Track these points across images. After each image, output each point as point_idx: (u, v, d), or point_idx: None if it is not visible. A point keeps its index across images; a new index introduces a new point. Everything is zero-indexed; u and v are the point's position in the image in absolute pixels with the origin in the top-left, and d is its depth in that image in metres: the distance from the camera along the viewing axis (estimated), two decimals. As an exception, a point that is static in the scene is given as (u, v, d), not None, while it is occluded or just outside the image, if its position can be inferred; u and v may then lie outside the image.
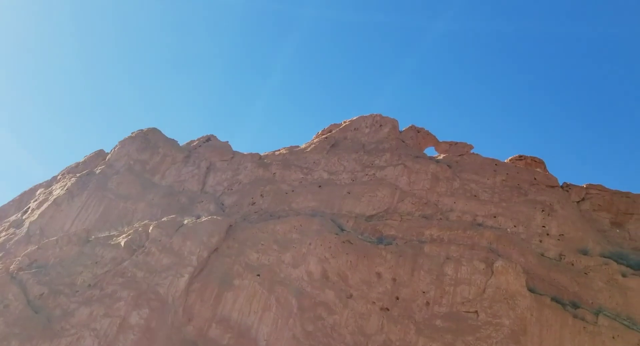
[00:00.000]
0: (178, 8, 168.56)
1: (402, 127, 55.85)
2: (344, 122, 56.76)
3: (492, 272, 37.47)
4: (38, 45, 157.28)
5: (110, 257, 38.50)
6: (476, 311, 36.14)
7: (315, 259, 39.29)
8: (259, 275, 38.20)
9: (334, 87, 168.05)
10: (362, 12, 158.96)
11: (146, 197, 49.45)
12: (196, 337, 35.46)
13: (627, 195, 47.36)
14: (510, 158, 53.33)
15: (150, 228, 40.36)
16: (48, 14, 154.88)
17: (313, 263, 39.16)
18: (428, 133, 55.90)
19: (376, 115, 55.73)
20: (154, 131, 57.84)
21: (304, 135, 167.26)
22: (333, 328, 36.23)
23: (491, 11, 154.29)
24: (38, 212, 48.41)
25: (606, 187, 48.22)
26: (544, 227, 43.19)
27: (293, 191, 48.33)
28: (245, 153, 55.52)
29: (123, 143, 55.39)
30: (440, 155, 52.89)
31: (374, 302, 37.59)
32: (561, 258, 41.21)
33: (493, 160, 50.04)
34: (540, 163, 52.16)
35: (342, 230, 42.24)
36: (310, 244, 40.07)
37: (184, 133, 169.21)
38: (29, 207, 51.96)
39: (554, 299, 37.26)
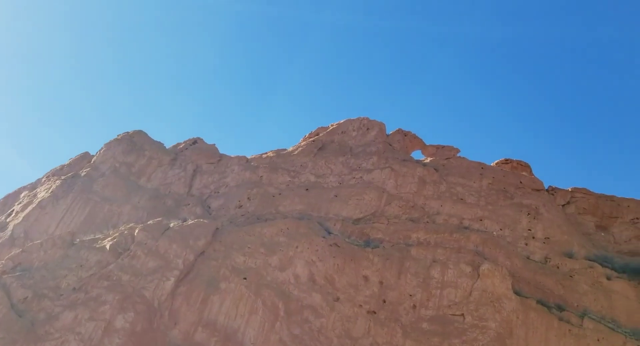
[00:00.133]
0: (166, 10, 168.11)
1: (389, 130, 56.05)
2: (331, 125, 56.81)
3: (478, 275, 37.64)
4: (25, 47, 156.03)
5: (95, 260, 38.17)
6: (462, 314, 36.27)
7: (302, 262, 39.24)
8: (245, 278, 38.07)
9: (322, 90, 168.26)
10: (348, 15, 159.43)
11: (132, 199, 49.16)
12: (182, 341, 35.23)
13: (611, 198, 47.79)
14: (496, 161, 53.67)
15: (136, 231, 40.10)
16: (36, 16, 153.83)
17: (300, 266, 39.10)
18: (415, 137, 56.08)
19: (363, 118, 55.85)
20: (140, 133, 57.53)
21: (292, 138, 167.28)
22: (320, 332, 36.18)
23: (480, 15, 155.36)
24: (22, 214, 47.96)
25: (591, 190, 48.64)
26: (529, 230, 43.47)
27: (280, 194, 48.26)
28: (232, 156, 55.38)
29: (109, 145, 55.03)
30: (427, 159, 53.08)
31: (361, 305, 37.59)
32: (547, 261, 41.47)
33: (479, 163, 50.32)
34: (526, 166, 52.54)
35: (329, 233, 42.23)
36: (297, 247, 40.02)
37: (170, 136, 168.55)
38: (13, 210, 51.46)
39: (539, 302, 37.50)
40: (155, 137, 58.70)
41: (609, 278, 39.47)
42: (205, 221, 42.47)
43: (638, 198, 47.39)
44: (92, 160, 54.36)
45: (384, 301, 37.83)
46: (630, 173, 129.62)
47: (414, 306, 37.29)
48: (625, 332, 35.92)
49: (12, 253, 39.87)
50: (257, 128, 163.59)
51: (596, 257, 41.71)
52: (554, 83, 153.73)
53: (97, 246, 39.62)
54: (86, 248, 39.39)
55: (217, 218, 46.04)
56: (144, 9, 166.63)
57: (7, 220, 49.41)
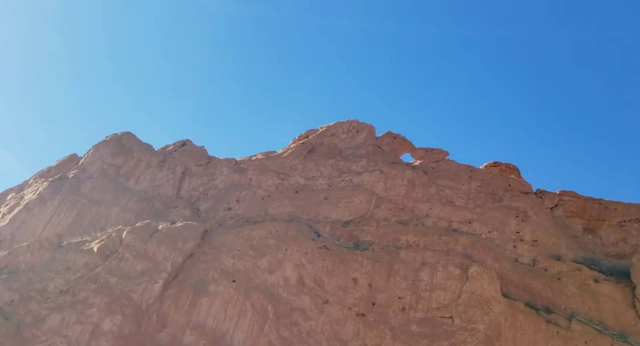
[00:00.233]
0: (156, 11, 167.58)
1: (379, 133, 56.13)
2: (321, 128, 56.85)
3: (467, 278, 37.75)
4: (14, 47, 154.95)
5: (82, 263, 37.92)
6: (451, 317, 36.35)
7: (291, 265, 39.18)
8: (234, 281, 37.95)
9: (312, 92, 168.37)
10: (339, 17, 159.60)
11: (120, 201, 48.92)
12: (170, 344, 35.06)
13: (599, 201, 48.12)
14: (485, 164, 53.91)
15: (124, 233, 39.88)
16: (27, 16, 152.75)
17: (289, 268, 39.03)
18: (404, 140, 56.24)
19: (353, 120, 55.94)
20: (129, 135, 57.27)
21: (281, 140, 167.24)
22: (309, 334, 36.12)
23: (467, 17, 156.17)
24: (9, 216, 47.55)
25: (579, 193, 48.96)
26: (518, 232, 43.68)
27: (269, 196, 48.19)
28: (221, 158, 55.25)
29: (97, 147, 54.73)
30: (416, 161, 53.24)
31: (350, 308, 37.57)
32: (535, 264, 41.68)
33: (468, 166, 50.53)
34: (514, 169, 52.81)
35: (319, 235, 42.22)
36: (286, 250, 39.95)
37: (159, 137, 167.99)
38: (-1, 212, 50.99)
39: (527, 304, 37.67)
40: (144, 138, 58.57)
41: (596, 281, 39.72)
42: (194, 223, 42.33)
43: (625, 201, 47.78)
44: (80, 161, 54.03)
45: (373, 304, 37.85)
46: (618, 177, 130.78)
47: (403, 309, 37.33)
48: (612, 334, 36.16)
49: (-1, 255, 39.50)
50: (247, 130, 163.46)
51: (584, 260, 41.98)
52: (543, 86, 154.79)
53: (85, 248, 39.36)
54: (73, 250, 39.12)
55: (206, 221, 45.90)
56: (134, 10, 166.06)
57: (-6, 222, 48.95)
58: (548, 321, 36.68)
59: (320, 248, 40.24)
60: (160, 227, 41.25)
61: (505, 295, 37.52)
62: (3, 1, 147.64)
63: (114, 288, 35.83)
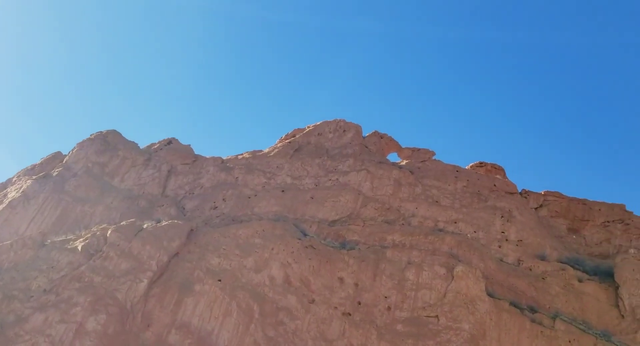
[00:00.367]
0: (144, 9, 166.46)
1: (366, 133, 56.23)
2: (308, 127, 56.82)
3: (453, 277, 37.91)
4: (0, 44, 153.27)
5: (66, 262, 37.57)
6: (437, 316, 36.49)
7: (277, 264, 39.11)
8: (220, 280, 37.80)
9: (299, 91, 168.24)
10: (326, 16, 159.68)
11: (105, 200, 48.52)
12: (155, 343, 34.85)
13: (583, 202, 48.58)
14: (471, 164, 54.21)
15: (109, 232, 39.59)
16: (11, 12, 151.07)
17: (275, 268, 38.96)
18: (391, 139, 56.37)
19: (340, 120, 55.97)
20: (114, 133, 56.84)
21: (268, 139, 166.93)
22: (295, 334, 36.07)
23: (454, 18, 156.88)
24: (-9, 214, 46.96)
25: (563, 194, 49.41)
26: (503, 232, 43.96)
27: (256, 195, 48.08)
28: (207, 157, 55.01)
29: (81, 145, 54.25)
30: (402, 161, 53.40)
31: (336, 307, 37.58)
32: (519, 264, 41.97)
33: (454, 166, 50.78)
34: (500, 170, 53.16)
35: (305, 235, 42.18)
36: (272, 249, 39.87)
37: (144, 135, 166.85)
38: (-19, 210, 50.35)
39: (512, 303, 37.93)
40: (129, 137, 58.12)
41: (580, 281, 40.09)
42: (180, 222, 42.11)
43: (609, 202, 48.33)
44: (65, 159, 53.53)
45: (359, 303, 37.88)
46: (602, 177, 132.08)
47: (389, 308, 37.41)
48: (596, 333, 36.50)
49: (-19, 254, 39.03)
50: (233, 129, 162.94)
51: (568, 260, 42.36)
52: (529, 87, 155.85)
53: (69, 247, 39.01)
54: (57, 249, 38.75)
55: (192, 220, 45.70)
56: (122, 8, 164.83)
57: (-24, 220, 48.34)
58: (532, 321, 36.96)
59: (306, 247, 40.21)
60: (145, 225, 40.98)
61: (490, 295, 37.74)
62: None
63: (98, 287, 35.53)
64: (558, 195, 49.31)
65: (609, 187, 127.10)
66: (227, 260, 39.32)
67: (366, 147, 53.59)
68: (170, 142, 57.97)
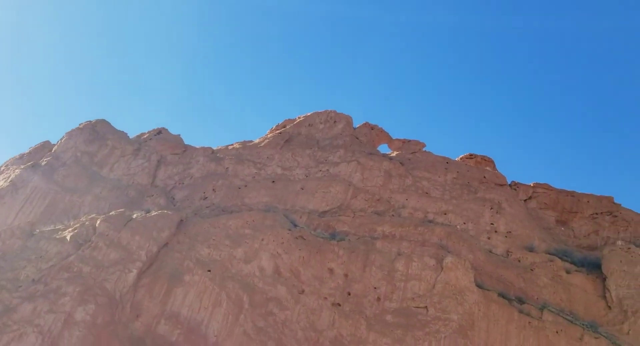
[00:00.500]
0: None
1: (356, 124, 56.24)
2: (299, 118, 56.71)
3: (442, 268, 38.06)
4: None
5: (55, 251, 37.39)
6: (426, 307, 36.67)
7: (267, 255, 39.11)
8: (209, 271, 37.78)
9: (289, 81, 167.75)
10: (315, 5, 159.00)
11: (94, 190, 48.27)
12: (144, 333, 34.81)
13: (572, 194, 48.89)
14: (461, 156, 54.35)
15: (98, 222, 39.41)
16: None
17: (265, 258, 38.97)
18: (382, 131, 56.39)
19: (331, 111, 55.89)
20: (103, 123, 56.47)
21: (258, 129, 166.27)
22: (284, 324, 36.15)
23: (445, 6, 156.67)
24: (-21, 204, 46.63)
25: (552, 186, 49.68)
26: (492, 224, 44.16)
27: (246, 186, 48.00)
28: (197, 147, 54.83)
29: (70, 134, 53.87)
30: (393, 153, 53.46)
31: (326, 298, 37.67)
32: (508, 255, 42.21)
33: (444, 158, 50.91)
34: (489, 161, 53.34)
35: (295, 225, 42.18)
36: (262, 240, 39.86)
37: (134, 125, 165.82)
38: (-31, 199, 49.97)
39: (500, 294, 38.18)
40: (119, 126, 57.58)
41: (568, 272, 40.40)
42: (169, 212, 41.98)
43: (597, 194, 48.65)
44: (53, 149, 53.15)
45: (349, 294, 38.00)
46: (591, 170, 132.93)
47: (379, 299, 37.54)
48: (583, 324, 36.83)
49: (-32, 243, 38.77)
50: (224, 119, 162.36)
51: (556, 251, 42.65)
52: (519, 80, 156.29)
53: (58, 237, 38.82)
54: (46, 239, 38.56)
55: (182, 210, 45.57)
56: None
57: (-37, 209, 47.98)
58: (520, 312, 37.22)
59: (296, 238, 40.23)
60: (134, 215, 40.83)
61: (479, 286, 37.95)
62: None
63: (87, 277, 35.41)
64: (547, 187, 49.58)
65: (598, 180, 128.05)
66: (217, 250, 39.28)
67: (357, 138, 53.58)
68: (159, 132, 57.70)
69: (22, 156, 54.63)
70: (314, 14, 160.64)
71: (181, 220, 41.86)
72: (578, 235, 46.38)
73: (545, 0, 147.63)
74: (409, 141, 54.41)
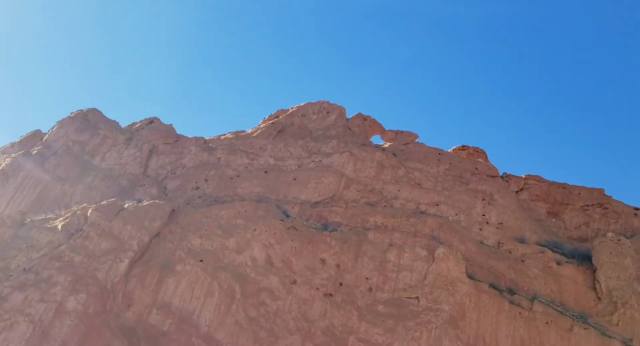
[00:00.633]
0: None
1: (349, 115, 56.11)
2: (291, 108, 56.55)
3: (434, 259, 38.17)
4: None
5: (46, 241, 37.27)
6: (417, 297, 36.80)
7: (259, 245, 39.12)
8: (201, 261, 37.75)
9: (282, 71, 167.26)
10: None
11: (85, 179, 48.06)
12: (135, 323, 34.80)
13: (563, 186, 49.07)
14: (453, 148, 54.42)
15: (89, 211, 39.27)
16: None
17: (257, 249, 38.97)
18: (374, 122, 56.32)
19: (324, 101, 55.76)
20: (95, 112, 56.13)
21: (251, 120, 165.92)
22: (276, 314, 36.22)
23: None
24: (-31, 193, 46.33)
25: (544, 177, 49.84)
26: (484, 215, 44.29)
27: (238, 176, 47.90)
28: (189, 136, 54.64)
29: (61, 123, 53.54)
30: (386, 144, 53.43)
31: (318, 288, 37.74)
32: (499, 246, 42.37)
33: (437, 149, 50.94)
34: (481, 153, 53.44)
35: (288, 216, 42.18)
36: (254, 230, 39.84)
37: (126, 114, 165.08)
38: (-41, 188, 49.63)
39: (491, 285, 38.36)
40: (110, 115, 57.49)
41: (558, 263, 40.61)
42: (161, 202, 41.88)
43: (588, 186, 48.85)
44: (44, 138, 52.84)
45: (341, 284, 38.08)
46: (582, 161, 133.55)
47: (370, 289, 37.65)
48: (573, 315, 37.09)
49: (-42, 232, 38.54)
50: (216, 109, 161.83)
51: (547, 243, 42.85)
52: (512, 72, 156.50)
53: (49, 226, 38.68)
54: (37, 228, 38.42)
55: (174, 200, 45.46)
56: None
57: (-47, 198, 47.66)
58: (511, 302, 37.42)
59: (288, 228, 40.23)
60: (126, 205, 40.71)
61: (470, 276, 38.11)
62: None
63: (78, 266, 35.33)
64: (538, 179, 49.75)
65: (589, 172, 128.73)
66: (209, 240, 39.24)
67: (349, 129, 53.52)
68: (152, 121, 57.43)
69: (12, 145, 54.29)
70: (307, 3, 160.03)
71: (173, 210, 41.78)
72: (569, 226, 46.63)
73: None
74: (402, 132, 54.40)
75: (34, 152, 49.68)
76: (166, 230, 40.06)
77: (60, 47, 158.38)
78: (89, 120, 54.38)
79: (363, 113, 56.57)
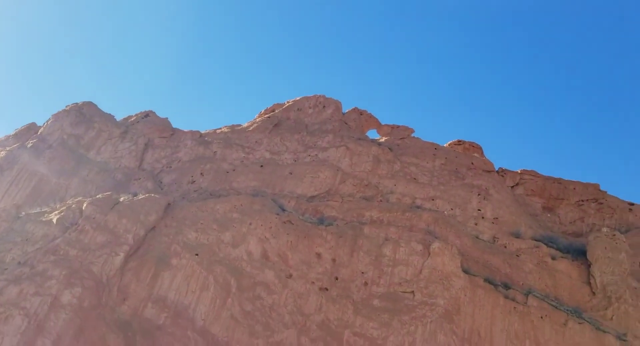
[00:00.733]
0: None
1: (345, 109, 56.05)
2: (288, 102, 56.44)
3: (429, 253, 38.25)
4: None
5: (41, 234, 37.16)
6: (412, 292, 36.90)
7: (255, 239, 39.11)
8: (197, 255, 37.72)
9: (278, 65, 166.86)
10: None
11: (80, 173, 47.93)
12: (131, 317, 34.78)
13: (558, 181, 49.21)
14: (449, 142, 54.45)
15: (84, 205, 39.16)
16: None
17: (253, 243, 38.96)
18: (370, 116, 56.29)
19: (320, 96, 55.66)
20: (90, 105, 55.94)
21: (247, 113, 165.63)
22: (272, 308, 36.25)
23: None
24: (-37, 186, 46.16)
25: (539, 172, 49.98)
26: (479, 210, 44.37)
27: (234, 170, 47.83)
28: (185, 130, 54.50)
29: (57, 116, 53.34)
30: (382, 138, 53.43)
31: (313, 282, 37.78)
32: (495, 241, 42.48)
33: (433, 144, 50.97)
34: (477, 148, 53.50)
35: (283, 210, 42.17)
36: (250, 224, 39.82)
37: (121, 108, 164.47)
38: (-47, 181, 49.44)
39: (486, 280, 38.46)
40: (106, 109, 57.30)
41: (553, 258, 40.73)
42: (157, 196, 41.79)
43: (584, 181, 49.01)
44: (39, 131, 52.64)
45: (336, 278, 38.12)
46: (577, 157, 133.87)
47: (366, 284, 37.71)
48: (567, 310, 37.24)
49: (-47, 225, 38.40)
50: (212, 102, 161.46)
51: (542, 237, 42.97)
52: (508, 67, 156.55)
53: (44, 219, 38.56)
54: (32, 221, 38.29)
55: (169, 194, 45.39)
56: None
57: (-52, 191, 47.48)
58: (506, 297, 37.54)
59: (284, 222, 40.22)
60: (121, 199, 40.61)
61: (465, 271, 38.21)
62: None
63: (73, 260, 35.25)
64: (534, 174, 49.86)
65: (584, 167, 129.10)
66: (205, 234, 39.21)
67: (345, 123, 53.47)
68: (147, 114, 57.28)
69: (7, 138, 54.11)
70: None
71: (169, 204, 41.70)
72: (564, 221, 46.78)
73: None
74: (398, 127, 54.39)
75: (29, 145, 49.52)
76: (162, 224, 39.99)
77: (55, 40, 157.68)
78: (84, 114, 54.20)
79: (359, 107, 56.57)
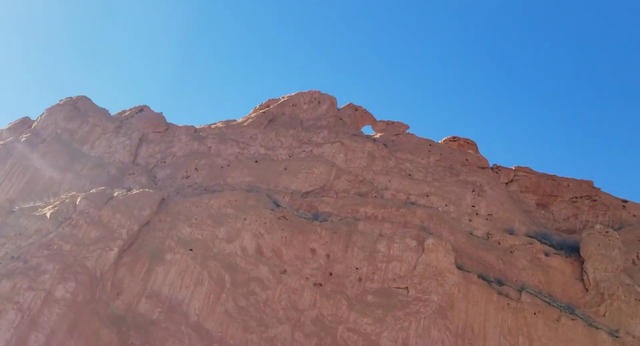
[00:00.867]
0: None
1: (340, 105, 56.01)
2: (283, 98, 56.35)
3: (423, 250, 38.33)
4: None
5: (35, 229, 37.05)
6: (406, 288, 36.99)
7: (249, 234, 39.09)
8: (191, 250, 37.69)
9: (274, 60, 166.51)
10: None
11: (74, 167, 47.74)
12: (125, 312, 34.74)
13: (552, 178, 49.34)
14: (444, 139, 54.50)
15: (78, 199, 39.04)
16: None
17: (247, 238, 38.95)
18: (366, 112, 56.27)
19: (315, 91, 55.58)
20: (84, 99, 55.69)
21: (242, 109, 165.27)
22: (266, 303, 36.28)
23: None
24: (-44, 180, 45.92)
25: (533, 169, 50.07)
26: (473, 206, 44.48)
27: (229, 165, 47.76)
28: (179, 125, 54.33)
29: (51, 110, 53.09)
30: (376, 134, 53.42)
31: (308, 278, 37.82)
32: (488, 237, 42.59)
33: (428, 140, 51.01)
34: (472, 144, 53.56)
35: (278, 206, 42.16)
36: (245, 219, 39.80)
37: (115, 102, 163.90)
38: (-54, 175, 49.19)
39: (480, 276, 38.59)
40: (100, 103, 57.00)
41: (547, 254, 40.89)
42: (151, 191, 41.70)
43: (577, 178, 49.16)
44: (33, 125, 52.38)
45: (331, 274, 38.17)
46: (571, 154, 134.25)
47: (360, 279, 37.78)
48: (560, 306, 37.42)
49: (-54, 220, 38.24)
50: (207, 97, 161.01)
51: (536, 234, 43.12)
52: (502, 64, 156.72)
53: (37, 214, 38.44)
54: (25, 216, 38.17)
55: (163, 189, 45.29)
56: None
57: (-60, 185, 47.23)
58: (499, 293, 37.69)
59: (279, 218, 40.22)
60: (115, 193, 40.51)
61: (459, 267, 38.33)
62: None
63: (67, 255, 35.16)
64: (528, 171, 49.98)
65: (578, 164, 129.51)
66: (199, 229, 39.17)
67: (341, 119, 53.44)
68: (141, 109, 57.08)
69: (1, 132, 53.83)
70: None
71: (163, 199, 41.62)
72: (558, 218, 46.94)
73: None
74: (393, 123, 54.40)
75: (23, 139, 49.28)
76: (156, 219, 39.92)
77: (50, 34, 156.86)
78: (78, 108, 53.96)
79: (354, 103, 56.54)
